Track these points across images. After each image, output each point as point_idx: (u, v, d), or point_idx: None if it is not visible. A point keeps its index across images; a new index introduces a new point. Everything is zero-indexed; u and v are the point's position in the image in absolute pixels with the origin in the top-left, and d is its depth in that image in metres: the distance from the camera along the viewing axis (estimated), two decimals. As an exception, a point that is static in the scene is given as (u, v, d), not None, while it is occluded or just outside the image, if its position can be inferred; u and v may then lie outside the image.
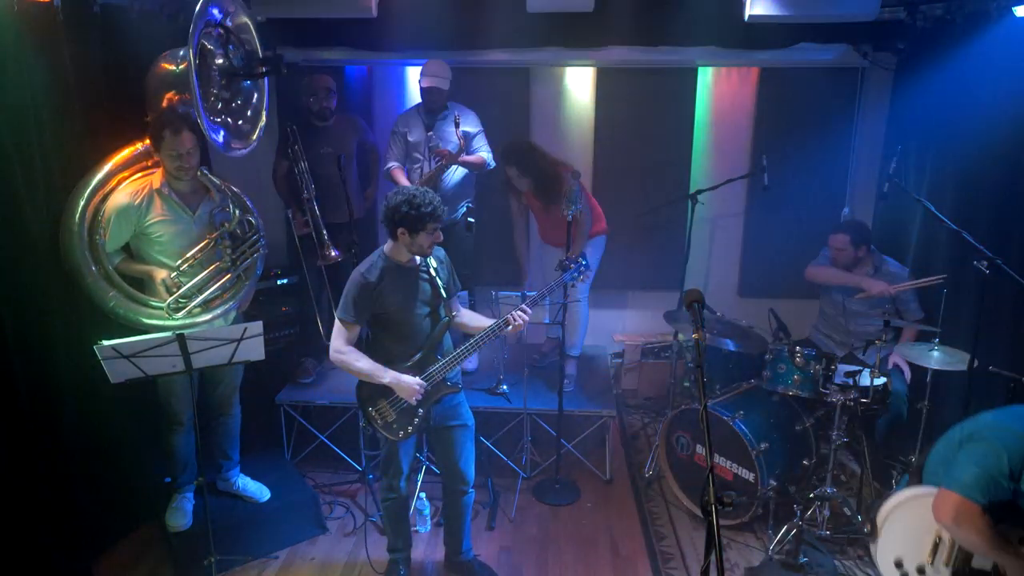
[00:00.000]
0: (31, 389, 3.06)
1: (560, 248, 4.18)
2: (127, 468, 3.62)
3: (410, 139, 4.47)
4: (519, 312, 3.05)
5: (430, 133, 4.36)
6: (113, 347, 2.73)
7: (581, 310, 4.52)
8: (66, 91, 3.21)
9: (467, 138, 4.31)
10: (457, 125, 4.16)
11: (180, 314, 3.26)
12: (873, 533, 2.79)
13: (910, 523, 2.64)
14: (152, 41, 3.46)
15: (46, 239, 3.10)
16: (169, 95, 3.28)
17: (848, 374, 3.52)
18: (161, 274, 3.25)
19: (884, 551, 2.74)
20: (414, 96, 5.19)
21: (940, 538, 2.55)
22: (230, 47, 3.32)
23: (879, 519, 2.75)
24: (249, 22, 3.36)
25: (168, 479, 3.63)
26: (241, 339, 2.98)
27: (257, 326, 3.01)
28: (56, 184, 3.16)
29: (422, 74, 4.34)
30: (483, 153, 4.43)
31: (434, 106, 4.39)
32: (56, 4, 3.10)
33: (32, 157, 3.04)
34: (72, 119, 3.25)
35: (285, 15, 4.11)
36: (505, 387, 4.28)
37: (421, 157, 4.43)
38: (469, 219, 4.14)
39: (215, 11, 3.17)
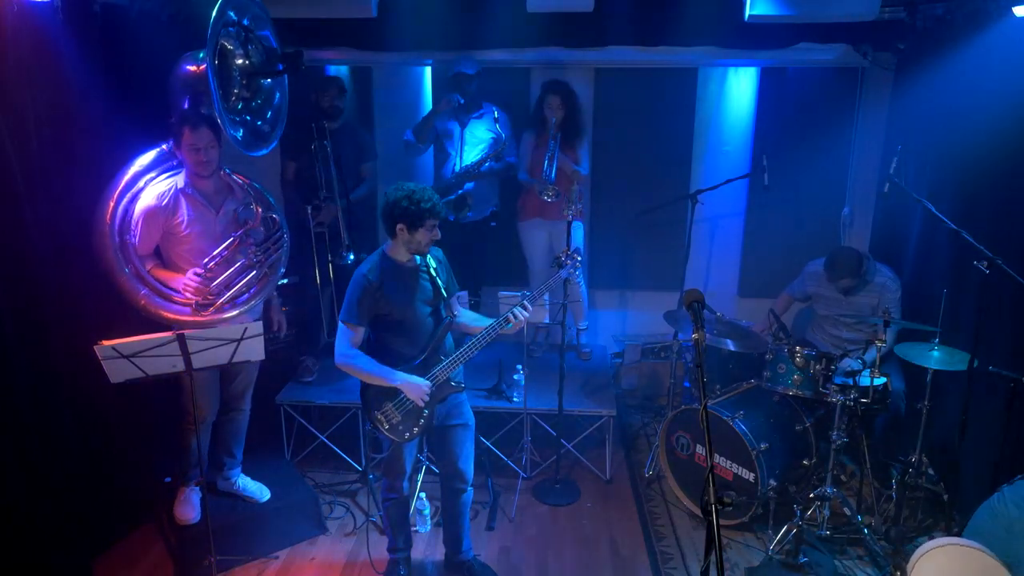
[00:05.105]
0: (31, 388, 3.06)
1: (545, 220, 4.64)
2: (127, 468, 3.62)
3: (439, 128, 4.61)
4: (519, 309, 3.05)
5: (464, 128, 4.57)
6: (113, 347, 2.74)
7: (581, 290, 4.85)
8: (66, 91, 3.21)
9: (503, 141, 4.55)
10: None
11: (208, 311, 3.28)
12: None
13: (944, 571, 2.62)
14: (152, 41, 3.46)
15: (45, 239, 3.10)
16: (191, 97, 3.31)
17: (848, 374, 3.53)
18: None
19: None
20: (413, 96, 5.19)
21: None
22: (249, 46, 3.36)
23: (910, 564, 2.73)
24: (267, 18, 3.38)
25: (168, 479, 3.63)
26: (241, 339, 2.99)
27: (257, 326, 3.02)
28: (55, 184, 3.16)
29: (464, 59, 4.51)
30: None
31: (468, 96, 4.52)
32: (56, 4, 3.10)
33: (32, 157, 3.04)
34: (71, 119, 3.25)
35: (285, 15, 4.10)
36: (504, 385, 4.28)
37: (453, 152, 4.57)
38: (492, 223, 4.67)
39: (232, 13, 3.19)
